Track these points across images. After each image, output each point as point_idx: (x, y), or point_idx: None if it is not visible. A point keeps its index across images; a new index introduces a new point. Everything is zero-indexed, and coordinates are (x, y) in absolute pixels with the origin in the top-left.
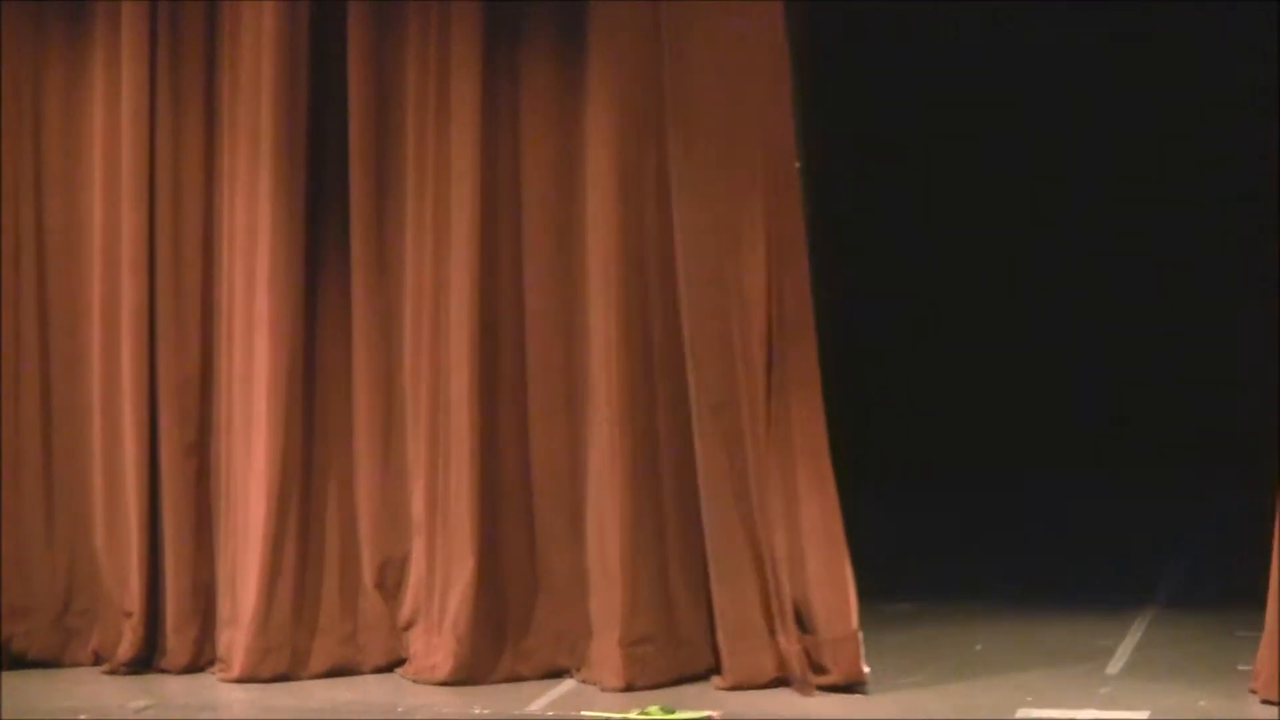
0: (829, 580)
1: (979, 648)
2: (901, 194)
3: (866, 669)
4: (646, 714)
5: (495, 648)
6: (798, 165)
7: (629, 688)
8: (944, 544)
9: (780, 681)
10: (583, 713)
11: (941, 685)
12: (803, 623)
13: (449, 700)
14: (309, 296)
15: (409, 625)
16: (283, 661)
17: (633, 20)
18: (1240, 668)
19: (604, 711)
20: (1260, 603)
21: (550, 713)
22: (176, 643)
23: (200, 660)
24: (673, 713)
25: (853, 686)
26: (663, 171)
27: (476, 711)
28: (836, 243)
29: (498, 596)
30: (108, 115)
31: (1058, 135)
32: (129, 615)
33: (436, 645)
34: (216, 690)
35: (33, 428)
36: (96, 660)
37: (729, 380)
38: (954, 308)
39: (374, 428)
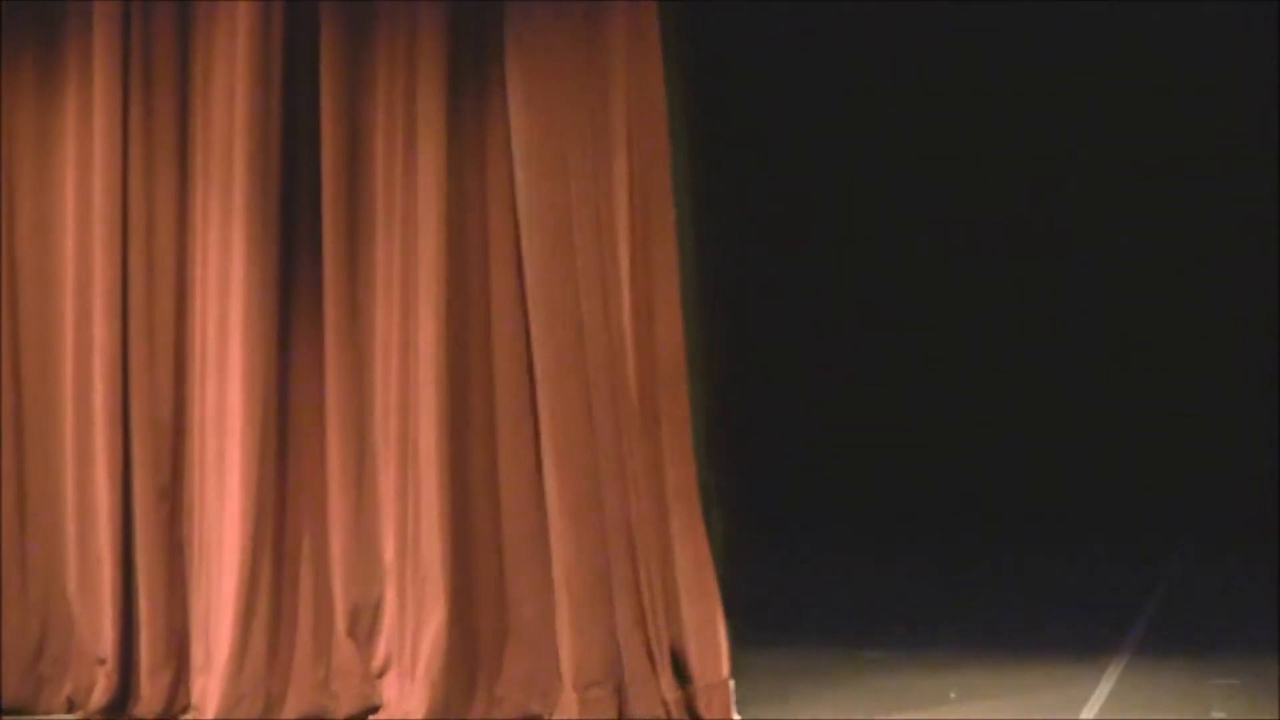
0: (702, 626)
1: (953, 695)
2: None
3: (737, 717)
4: None
5: (467, 694)
6: (674, 212)
7: None
8: (917, 592)
9: None
10: None
11: None
12: (679, 669)
13: None
14: (282, 340)
15: (382, 672)
16: (256, 708)
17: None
18: (1214, 715)
19: None
20: (1234, 650)
21: None
22: (150, 689)
23: (174, 707)
24: None
25: None
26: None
27: None
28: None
29: (470, 642)
30: (80, 157)
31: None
32: (102, 662)
33: (409, 692)
34: None
35: (7, 472)
36: (70, 707)
37: (614, 425)
38: (925, 358)
39: (346, 474)
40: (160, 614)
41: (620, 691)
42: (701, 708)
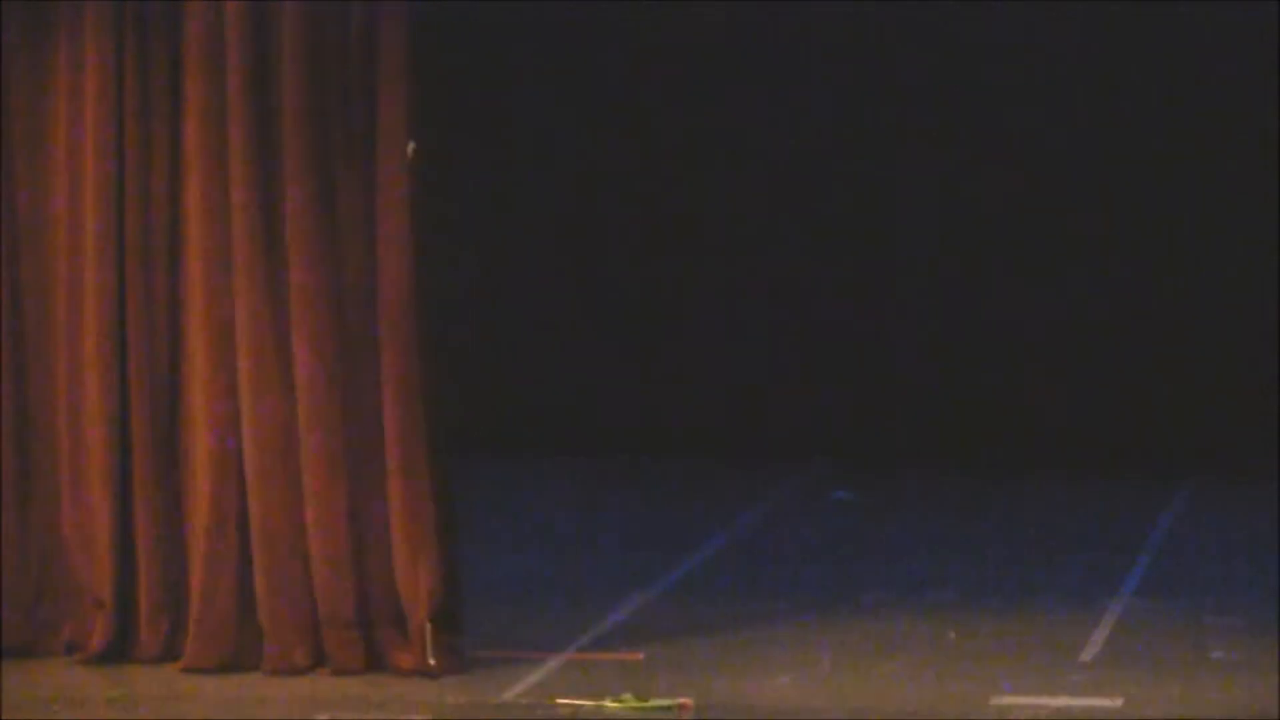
0: (409, 568)
1: (952, 636)
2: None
3: (433, 661)
4: (621, 701)
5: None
6: (412, 146)
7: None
8: (915, 539)
9: (374, 667)
10: (557, 700)
11: (914, 674)
12: (389, 610)
13: (419, 690)
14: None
15: None
16: (226, 654)
17: None
18: (1214, 655)
19: (577, 699)
20: (1234, 590)
21: (524, 700)
22: (149, 634)
23: (173, 651)
24: (646, 700)
25: (429, 674)
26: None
27: (449, 700)
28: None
29: None
30: (73, 96)
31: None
32: (101, 605)
33: None
34: (186, 680)
35: (6, 418)
36: (69, 650)
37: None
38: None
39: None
40: (157, 563)
41: (368, 633)
42: (401, 648)
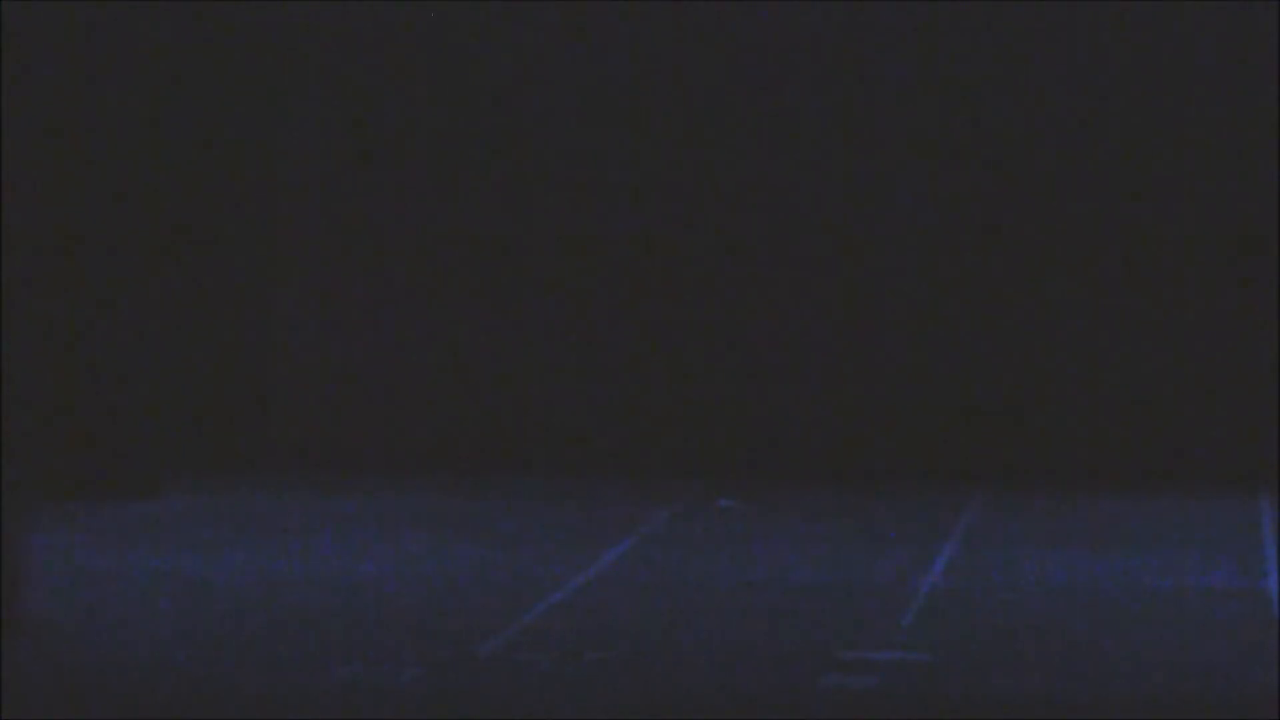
0: None
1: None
2: None
3: None
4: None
5: None
6: None
7: None
8: (772, 537)
9: None
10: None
11: (757, 635)
12: None
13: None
14: None
15: None
16: None
17: None
18: (1012, 619)
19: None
20: (1023, 573)
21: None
22: None
23: None
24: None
25: None
26: None
27: (431, 655)
28: None
29: None
30: None
31: None
32: None
33: None
34: None
35: None
36: None
37: None
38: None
39: None
40: None
41: None
42: None
